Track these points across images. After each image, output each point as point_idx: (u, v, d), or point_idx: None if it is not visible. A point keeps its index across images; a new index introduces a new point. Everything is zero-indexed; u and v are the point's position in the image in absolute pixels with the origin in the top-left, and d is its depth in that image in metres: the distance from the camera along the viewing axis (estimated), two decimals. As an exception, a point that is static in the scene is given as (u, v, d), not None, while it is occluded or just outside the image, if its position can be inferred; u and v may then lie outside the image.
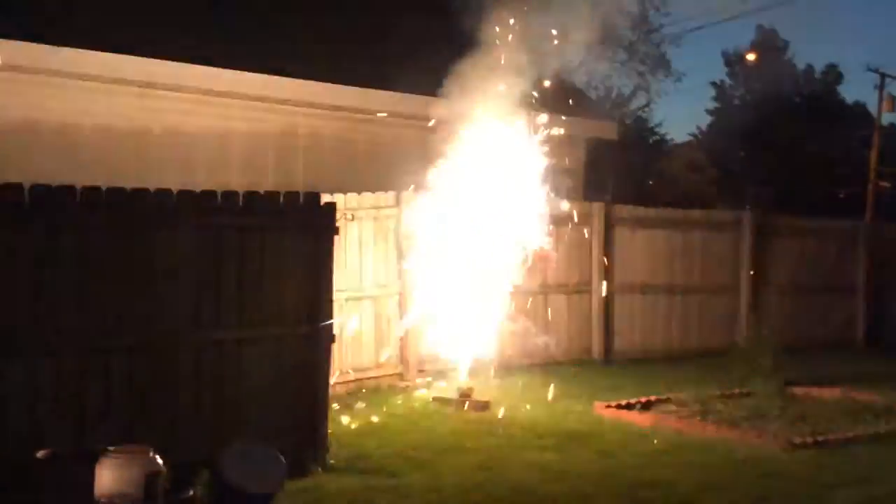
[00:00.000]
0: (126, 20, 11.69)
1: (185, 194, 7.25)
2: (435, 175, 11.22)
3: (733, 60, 46.81)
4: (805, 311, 15.77)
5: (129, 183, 7.24)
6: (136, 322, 6.94)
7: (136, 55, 11.34)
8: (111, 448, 5.12)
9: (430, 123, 11.53)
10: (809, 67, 46.49)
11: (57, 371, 6.61)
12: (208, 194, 7.34)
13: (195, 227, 7.21)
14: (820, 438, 9.13)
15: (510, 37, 11.18)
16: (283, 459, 5.53)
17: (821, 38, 69.44)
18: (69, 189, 6.77)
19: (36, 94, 10.99)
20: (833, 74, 46.28)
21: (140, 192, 7.07)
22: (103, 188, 6.91)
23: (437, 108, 11.50)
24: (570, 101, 14.21)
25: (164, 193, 7.15)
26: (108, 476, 4.94)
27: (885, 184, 34.87)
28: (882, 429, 9.65)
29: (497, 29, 11.11)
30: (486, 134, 11.22)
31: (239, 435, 6.10)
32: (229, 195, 7.41)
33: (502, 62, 11.11)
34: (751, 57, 43.97)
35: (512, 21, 11.22)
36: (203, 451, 5.73)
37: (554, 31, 11.55)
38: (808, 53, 75.19)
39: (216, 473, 5.20)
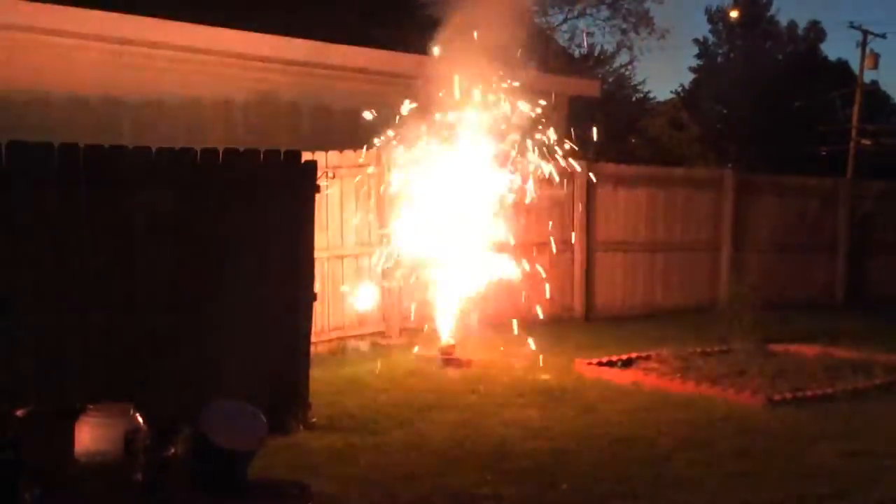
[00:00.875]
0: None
1: (164, 152, 7.20)
2: (417, 132, 11.17)
3: (716, 18, 46.65)
4: (786, 269, 15.83)
5: (107, 141, 7.18)
6: (116, 280, 6.92)
7: (110, 10, 11.19)
8: (91, 406, 5.11)
9: (412, 80, 11.46)
10: (792, 24, 46.41)
11: (37, 328, 6.60)
12: (187, 152, 7.29)
13: (174, 185, 7.17)
14: (799, 394, 9.21)
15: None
16: (263, 417, 5.52)
17: (804, -5, 69.18)
18: (47, 146, 6.72)
19: (6, 49, 10.85)
20: (816, 32, 46.21)
21: (119, 150, 7.02)
22: (81, 146, 6.85)
23: (418, 65, 11.43)
24: (553, 58, 14.14)
25: (142, 151, 7.11)
26: (87, 434, 4.92)
27: (866, 142, 34.95)
28: (860, 384, 9.72)
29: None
30: (467, 90, 11.17)
31: (220, 392, 6.09)
32: (209, 153, 7.36)
33: (483, 19, 11.02)
34: (734, 14, 43.85)
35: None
36: (184, 409, 5.73)
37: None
38: (791, 10, 75.07)
39: (196, 431, 5.19)
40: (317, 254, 8.22)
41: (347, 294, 11.40)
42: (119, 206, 6.95)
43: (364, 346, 11.21)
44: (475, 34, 10.90)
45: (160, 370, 7.03)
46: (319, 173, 8.06)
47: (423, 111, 11.17)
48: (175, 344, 7.14)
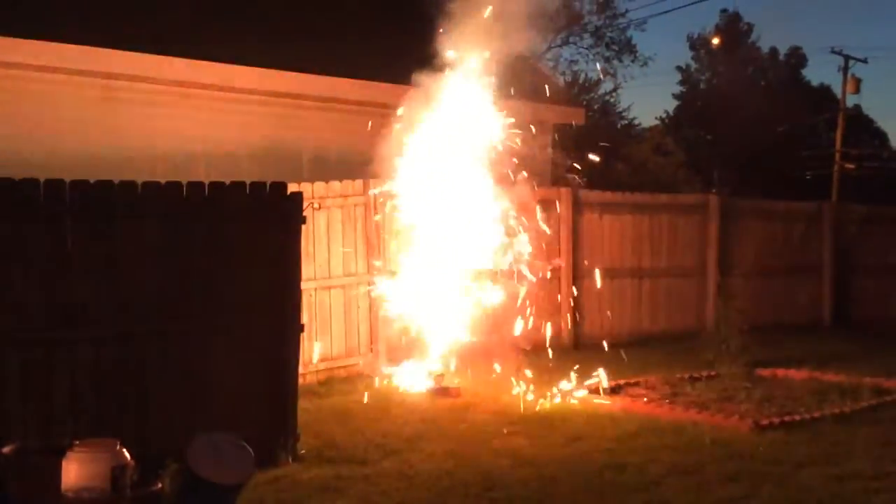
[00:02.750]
0: (88, 11, 11.58)
1: (150, 185, 7.22)
2: (403, 162, 11.22)
3: (698, 44, 47.09)
4: (772, 293, 15.89)
5: (96, 175, 7.20)
6: (102, 313, 6.91)
7: (99, 46, 11.23)
8: (77, 441, 5.10)
9: (399, 111, 11.51)
10: (774, 50, 46.86)
11: (23, 363, 6.58)
12: (173, 185, 7.31)
13: (161, 218, 7.19)
14: (787, 418, 9.23)
15: (476, 23, 11.18)
16: (250, 450, 5.51)
17: (784, 19, 69.89)
18: (33, 182, 6.73)
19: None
20: (797, 57, 46.65)
21: (105, 184, 7.03)
22: (67, 181, 6.87)
23: (405, 95, 11.48)
24: (537, 86, 14.21)
25: (128, 185, 7.12)
26: (74, 470, 4.91)
27: (850, 165, 35.18)
28: (848, 408, 9.75)
29: (462, 16, 11.11)
30: (453, 120, 11.23)
31: (207, 426, 6.09)
32: (195, 186, 7.38)
33: (468, 48, 11.12)
34: (715, 41, 44.26)
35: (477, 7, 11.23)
36: (171, 443, 5.73)
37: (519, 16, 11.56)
38: (773, 36, 75.67)
39: (184, 465, 5.18)
40: (304, 284, 8.23)
41: (335, 324, 11.39)
42: (106, 240, 6.95)
43: (352, 376, 11.19)
44: (463, 63, 11.01)
45: (147, 403, 7.01)
46: (305, 204, 8.09)
47: (410, 140, 11.22)
48: (162, 377, 7.12)
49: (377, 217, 11.71)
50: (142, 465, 5.13)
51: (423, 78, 11.09)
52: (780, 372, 11.71)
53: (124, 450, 5.13)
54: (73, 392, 6.73)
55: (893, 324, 15.70)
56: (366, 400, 10.10)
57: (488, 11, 11.07)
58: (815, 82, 46.28)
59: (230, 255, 7.47)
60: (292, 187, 8.12)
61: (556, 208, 13.73)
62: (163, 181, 7.35)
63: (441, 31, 11.05)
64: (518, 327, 12.16)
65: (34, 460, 5.08)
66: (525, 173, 11.80)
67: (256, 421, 7.34)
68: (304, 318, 8.21)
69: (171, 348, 7.17)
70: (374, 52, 13.47)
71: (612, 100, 39.04)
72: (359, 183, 11.71)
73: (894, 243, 17.17)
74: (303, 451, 7.73)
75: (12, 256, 6.60)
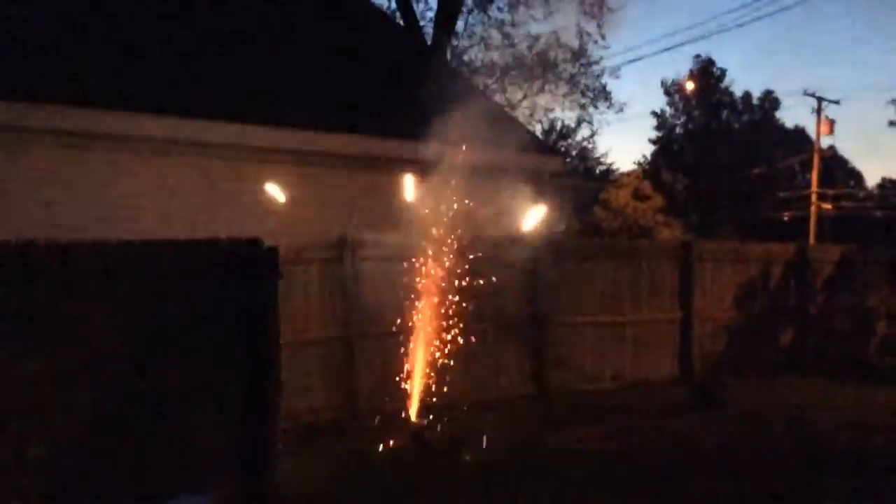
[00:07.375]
0: (71, 71, 11.62)
1: (124, 245, 7.18)
2: (381, 215, 11.23)
3: (672, 90, 47.61)
4: (753, 335, 15.88)
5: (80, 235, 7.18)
6: (76, 371, 6.84)
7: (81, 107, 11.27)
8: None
9: (379, 164, 11.55)
10: (747, 94, 47.41)
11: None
12: (148, 244, 7.28)
13: (135, 276, 7.14)
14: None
15: (460, 77, 11.28)
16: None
17: (757, 64, 70.87)
18: (3, 244, 6.68)
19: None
20: (771, 100, 47.21)
21: (77, 245, 6.99)
22: (40, 242, 6.82)
23: (385, 149, 11.52)
24: (516, 135, 14.28)
25: (102, 245, 7.08)
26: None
27: (827, 206, 35.46)
28: (833, 452, 9.75)
29: (446, 70, 11.22)
30: (433, 172, 11.26)
31: (184, 484, 6.01)
32: (169, 243, 7.36)
33: (450, 100, 11.20)
34: (689, 86, 44.77)
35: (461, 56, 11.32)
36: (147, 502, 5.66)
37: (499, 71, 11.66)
38: (746, 80, 76.69)
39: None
40: (282, 339, 8.17)
41: (315, 379, 11.31)
42: (79, 298, 6.90)
43: (334, 430, 11.09)
44: (444, 114, 11.09)
45: (122, 462, 6.92)
46: (282, 258, 8.05)
47: (390, 194, 11.24)
48: (139, 437, 7.04)
49: (355, 271, 11.68)
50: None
51: (410, 131, 11.13)
52: (765, 414, 11.69)
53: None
54: (48, 454, 6.63)
55: (873, 363, 15.73)
56: (347, 454, 10.01)
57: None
58: (789, 124, 46.84)
59: (206, 311, 7.42)
60: (269, 242, 8.09)
61: (536, 256, 13.72)
62: (136, 240, 7.32)
63: (424, 83, 11.12)
64: (500, 376, 12.12)
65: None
66: (505, 222, 11.83)
67: (234, 479, 7.25)
68: (284, 373, 8.12)
69: (146, 408, 7.08)
70: (358, 107, 13.51)
71: (589, 146, 39.36)
72: (336, 237, 11.69)
73: (872, 283, 17.27)
74: (283, 509, 7.64)
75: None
